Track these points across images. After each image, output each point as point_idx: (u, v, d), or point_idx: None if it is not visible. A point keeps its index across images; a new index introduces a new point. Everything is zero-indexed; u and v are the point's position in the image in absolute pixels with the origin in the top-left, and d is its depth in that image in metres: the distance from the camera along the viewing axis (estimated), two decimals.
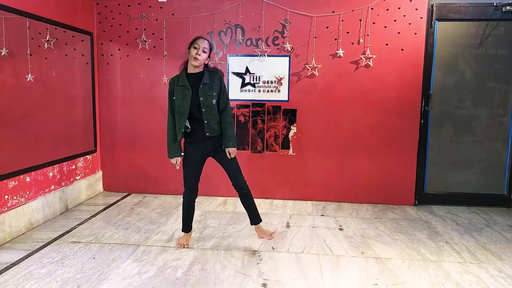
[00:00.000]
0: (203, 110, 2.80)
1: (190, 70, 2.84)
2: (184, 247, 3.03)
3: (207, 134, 2.84)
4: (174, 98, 2.83)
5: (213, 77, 2.86)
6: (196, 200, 3.02)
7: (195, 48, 2.77)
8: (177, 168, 2.95)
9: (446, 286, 2.50)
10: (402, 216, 3.85)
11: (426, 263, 2.83)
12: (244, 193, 2.96)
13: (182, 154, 2.95)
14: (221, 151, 2.93)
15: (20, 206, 3.24)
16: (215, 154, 2.96)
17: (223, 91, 2.90)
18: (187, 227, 3.07)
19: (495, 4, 3.92)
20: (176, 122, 2.86)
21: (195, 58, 2.76)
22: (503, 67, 4.03)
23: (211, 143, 2.90)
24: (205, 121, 2.82)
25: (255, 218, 3.02)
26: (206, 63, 2.88)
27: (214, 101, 2.84)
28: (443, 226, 3.58)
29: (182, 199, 2.99)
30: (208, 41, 2.83)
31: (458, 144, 4.16)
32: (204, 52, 2.78)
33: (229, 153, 2.89)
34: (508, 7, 3.88)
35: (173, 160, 2.93)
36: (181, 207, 3.05)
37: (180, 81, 2.82)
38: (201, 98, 2.79)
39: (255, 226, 3.04)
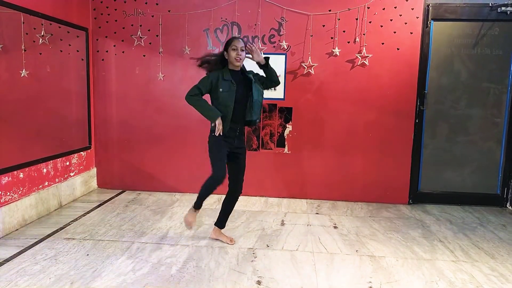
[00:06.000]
0: (255, 103, 2.87)
1: (231, 67, 2.90)
2: (190, 227, 2.98)
3: (238, 133, 2.91)
4: (221, 90, 2.82)
5: (250, 72, 2.97)
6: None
7: (234, 50, 2.82)
8: (219, 132, 2.78)
9: (439, 284, 2.52)
10: (397, 215, 3.87)
11: (420, 261, 2.84)
12: (236, 197, 3.07)
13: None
14: (242, 153, 2.99)
15: (13, 202, 3.21)
16: (236, 153, 2.94)
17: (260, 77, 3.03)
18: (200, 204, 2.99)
19: (490, 5, 3.94)
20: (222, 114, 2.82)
21: (237, 60, 2.83)
22: (498, 68, 4.06)
23: (237, 142, 2.94)
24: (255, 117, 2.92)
25: (225, 222, 3.14)
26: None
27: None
28: (437, 225, 3.60)
29: (207, 181, 2.87)
30: (241, 39, 2.89)
31: (452, 144, 4.18)
32: (243, 50, 2.85)
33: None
34: (503, 8, 3.90)
35: (219, 120, 2.77)
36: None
37: (225, 75, 2.85)
38: (255, 93, 2.85)
39: (218, 229, 3.13)
